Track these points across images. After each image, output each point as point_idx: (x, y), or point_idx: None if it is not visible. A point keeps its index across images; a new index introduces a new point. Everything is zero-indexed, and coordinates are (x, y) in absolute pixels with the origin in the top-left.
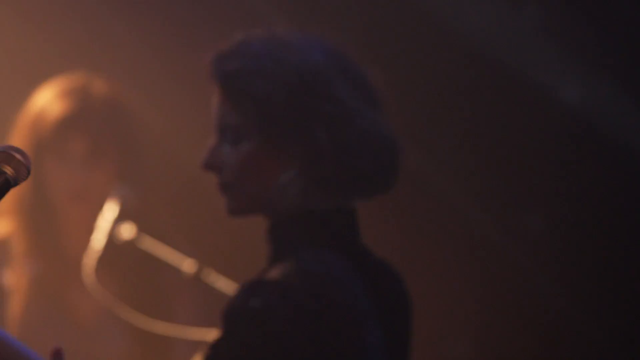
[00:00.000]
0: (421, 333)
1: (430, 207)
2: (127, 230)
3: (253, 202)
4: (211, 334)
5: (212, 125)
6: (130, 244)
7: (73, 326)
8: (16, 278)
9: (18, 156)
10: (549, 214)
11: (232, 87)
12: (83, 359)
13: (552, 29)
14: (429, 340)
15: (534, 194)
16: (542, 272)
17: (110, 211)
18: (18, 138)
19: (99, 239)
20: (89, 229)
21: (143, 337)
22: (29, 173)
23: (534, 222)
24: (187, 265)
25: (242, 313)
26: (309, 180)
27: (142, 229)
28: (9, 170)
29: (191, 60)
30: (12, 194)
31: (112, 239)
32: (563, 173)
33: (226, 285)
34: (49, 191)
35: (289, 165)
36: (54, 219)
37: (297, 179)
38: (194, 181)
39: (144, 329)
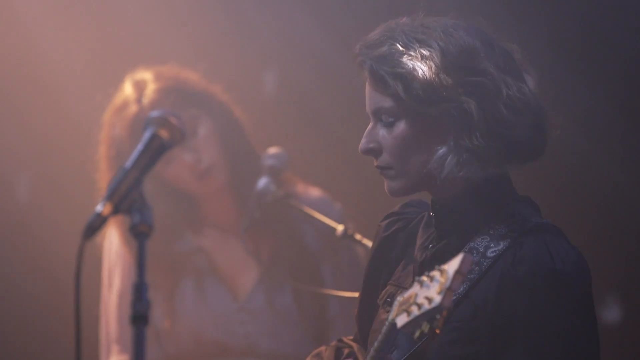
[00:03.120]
0: None
1: (580, 172)
2: (280, 195)
3: (414, 180)
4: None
5: (367, 110)
6: (283, 206)
7: (230, 298)
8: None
9: (173, 120)
10: None
11: (380, 71)
12: (241, 327)
13: None
14: None
15: None
16: None
17: (264, 176)
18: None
19: (253, 203)
20: (229, 200)
21: (301, 300)
22: (183, 137)
23: None
24: (339, 228)
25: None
26: (463, 152)
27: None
28: (164, 134)
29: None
30: None
31: (265, 203)
32: None
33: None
34: (176, 184)
35: (443, 139)
36: (194, 200)
37: (452, 151)
38: (344, 150)
39: (299, 293)
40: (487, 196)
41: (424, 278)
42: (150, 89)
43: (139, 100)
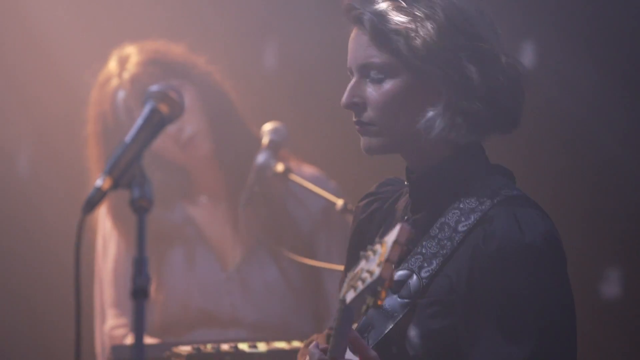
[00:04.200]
0: (572, 276)
1: (582, 148)
2: (280, 169)
3: (396, 139)
4: None
5: (349, 65)
6: (282, 181)
7: (218, 267)
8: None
9: (173, 94)
10: None
11: (382, 27)
12: (228, 296)
13: None
14: (579, 284)
15: None
16: None
17: (264, 147)
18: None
19: (252, 178)
20: (216, 169)
21: (288, 274)
22: (182, 111)
23: None
24: (336, 201)
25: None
26: (455, 115)
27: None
28: (164, 108)
29: None
30: None
31: (263, 176)
32: None
33: None
34: (163, 155)
35: (436, 101)
36: (184, 171)
37: (444, 113)
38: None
39: (287, 267)
40: (459, 169)
41: (368, 252)
42: (132, 62)
43: (120, 74)
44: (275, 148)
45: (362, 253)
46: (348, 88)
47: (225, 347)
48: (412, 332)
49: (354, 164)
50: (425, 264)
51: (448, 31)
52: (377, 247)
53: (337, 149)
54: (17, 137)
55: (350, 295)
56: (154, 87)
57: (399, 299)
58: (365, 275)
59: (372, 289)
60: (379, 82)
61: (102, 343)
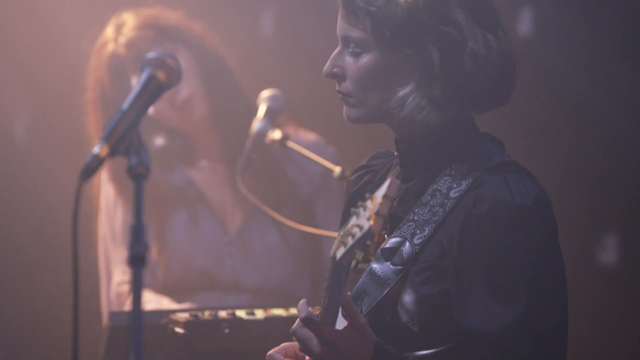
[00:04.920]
0: (570, 243)
1: (582, 117)
2: (277, 136)
3: (372, 112)
4: None
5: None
6: (280, 147)
7: (220, 231)
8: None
9: (170, 61)
10: None
11: (352, 5)
12: (229, 259)
13: None
14: (576, 250)
15: None
16: None
17: (261, 115)
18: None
19: (250, 145)
20: (213, 132)
21: (288, 237)
22: (179, 78)
23: None
24: (336, 169)
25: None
26: (422, 97)
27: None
28: (161, 75)
29: None
30: None
31: (260, 143)
32: None
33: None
34: (159, 119)
35: (406, 81)
36: (185, 135)
37: (413, 94)
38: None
39: (287, 231)
40: (449, 138)
41: (359, 209)
42: (127, 27)
43: (115, 39)
44: (272, 115)
45: (353, 210)
46: (330, 57)
47: (222, 314)
48: (405, 299)
49: (352, 130)
50: (418, 231)
51: (417, 14)
52: (368, 202)
53: (336, 115)
54: (14, 104)
55: (340, 252)
56: (151, 54)
57: (391, 266)
58: (355, 230)
59: (362, 243)
60: (356, 55)
61: (108, 299)
